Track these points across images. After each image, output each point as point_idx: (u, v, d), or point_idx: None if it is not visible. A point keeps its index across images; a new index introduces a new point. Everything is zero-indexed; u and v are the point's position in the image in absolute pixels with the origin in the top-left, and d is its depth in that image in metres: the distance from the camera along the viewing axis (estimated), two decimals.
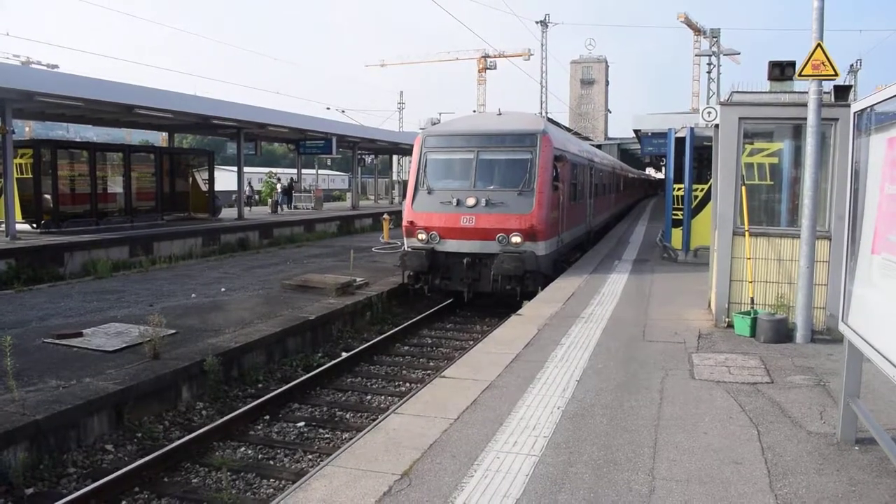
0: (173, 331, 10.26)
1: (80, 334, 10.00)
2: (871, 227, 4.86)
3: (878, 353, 4.52)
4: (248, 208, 33.92)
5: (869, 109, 5.10)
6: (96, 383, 7.89)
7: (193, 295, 13.61)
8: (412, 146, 15.64)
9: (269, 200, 38.89)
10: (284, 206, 39.16)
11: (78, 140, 37.04)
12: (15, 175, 20.68)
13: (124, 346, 9.41)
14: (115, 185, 25.46)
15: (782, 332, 8.81)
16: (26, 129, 53.65)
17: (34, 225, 22.09)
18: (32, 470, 6.72)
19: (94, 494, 6.23)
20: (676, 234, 16.71)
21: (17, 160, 21.59)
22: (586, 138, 43.77)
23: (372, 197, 56.88)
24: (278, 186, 37.77)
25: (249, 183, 40.61)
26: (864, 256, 5.00)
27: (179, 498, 6.56)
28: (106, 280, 15.85)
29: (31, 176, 22.00)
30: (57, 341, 9.66)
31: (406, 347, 12.27)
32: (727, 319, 9.66)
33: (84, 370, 8.37)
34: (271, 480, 6.96)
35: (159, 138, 50.42)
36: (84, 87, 20.19)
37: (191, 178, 29.96)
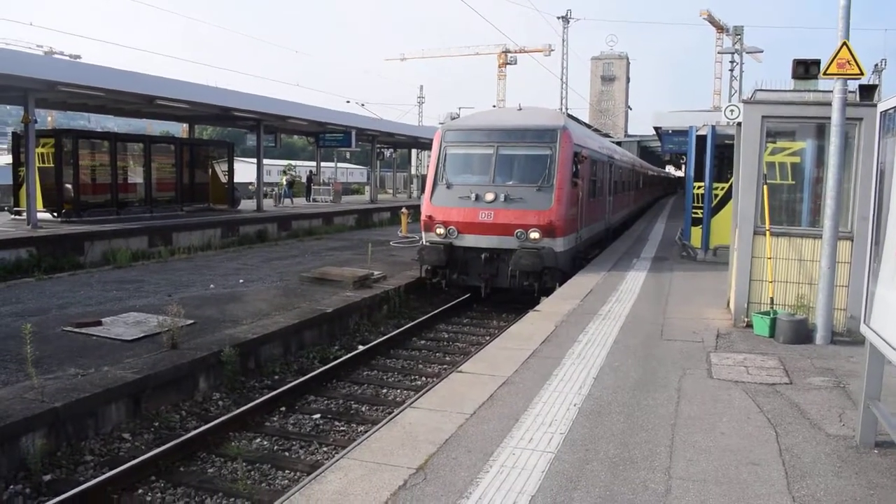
0: (191, 321, 10.33)
1: (99, 323, 10.10)
2: None
3: None
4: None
5: (894, 110, 5.02)
6: (114, 372, 7.96)
7: (212, 286, 13.70)
8: (431, 140, 15.62)
9: (273, 193, 38.22)
10: (307, 198, 39.01)
11: (99, 130, 37.24)
12: (37, 164, 20.87)
13: (143, 335, 9.49)
14: (136, 176, 25.65)
15: (802, 333, 8.72)
16: (48, 118, 54.12)
17: (55, 214, 22.32)
18: (50, 457, 6.81)
19: (111, 482, 6.29)
20: (696, 232, 16.59)
21: (39, 149, 21.79)
22: (606, 135, 43.40)
23: (390, 191, 57.00)
24: (283, 179, 37.57)
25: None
26: (887, 258, 4.94)
27: (195, 487, 6.61)
28: (125, 269, 15.99)
29: (52, 165, 22.20)
30: (76, 330, 9.76)
31: (423, 342, 12.28)
32: (746, 319, 9.58)
33: (102, 359, 8.45)
34: (286, 472, 6.99)
35: (179, 129, 50.67)
36: (106, 78, 20.33)
37: (210, 170, 30.08)
